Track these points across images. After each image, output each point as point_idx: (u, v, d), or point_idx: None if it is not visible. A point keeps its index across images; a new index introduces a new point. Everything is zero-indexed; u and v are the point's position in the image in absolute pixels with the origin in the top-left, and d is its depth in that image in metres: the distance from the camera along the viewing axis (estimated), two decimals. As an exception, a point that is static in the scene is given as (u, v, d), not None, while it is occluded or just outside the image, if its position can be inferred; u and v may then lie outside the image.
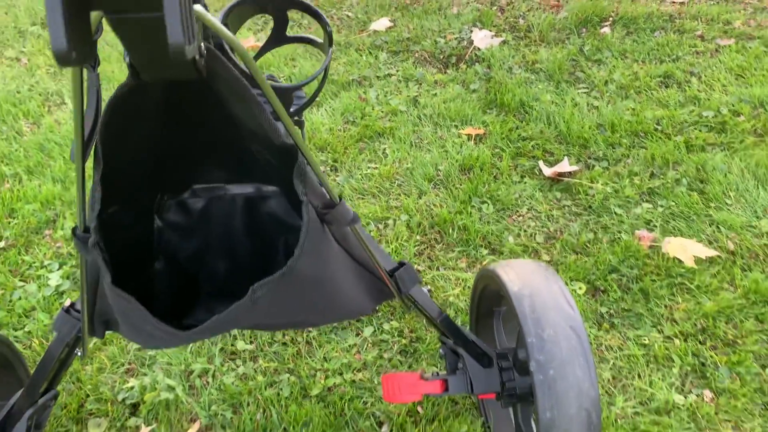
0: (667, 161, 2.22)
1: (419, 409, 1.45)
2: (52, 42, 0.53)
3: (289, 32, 1.13)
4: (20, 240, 1.95)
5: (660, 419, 1.43)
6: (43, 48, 3.10)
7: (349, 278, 1.04)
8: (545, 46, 3.01)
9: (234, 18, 1.06)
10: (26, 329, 1.68)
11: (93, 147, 0.80)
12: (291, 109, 1.21)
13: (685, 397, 1.48)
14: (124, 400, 1.49)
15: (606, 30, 3.08)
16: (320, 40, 1.12)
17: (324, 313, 1.06)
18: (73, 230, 0.87)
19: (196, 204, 1.15)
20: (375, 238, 1.96)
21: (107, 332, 1.06)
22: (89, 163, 0.78)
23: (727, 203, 2.04)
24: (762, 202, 2.03)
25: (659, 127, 2.40)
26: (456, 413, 1.44)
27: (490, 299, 1.37)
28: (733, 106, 2.49)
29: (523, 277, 1.14)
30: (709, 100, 2.53)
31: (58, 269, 1.85)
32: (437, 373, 1.20)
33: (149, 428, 1.42)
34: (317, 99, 2.63)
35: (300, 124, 1.32)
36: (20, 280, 1.82)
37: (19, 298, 1.75)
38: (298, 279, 0.87)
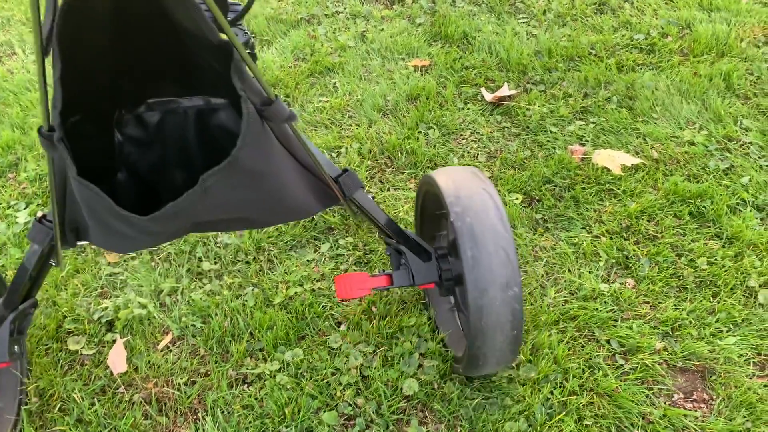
0: (600, 82, 2.36)
1: (373, 308, 1.60)
2: None
3: None
4: (-15, 183, 2.02)
5: (587, 304, 1.61)
6: (-13, 0, 3.08)
7: (293, 177, 1.10)
8: (487, -21, 3.10)
9: None
10: None
11: (50, 47, 0.86)
12: (229, 18, 1.28)
13: (610, 285, 1.66)
14: (99, 318, 1.61)
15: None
16: None
17: (272, 210, 1.12)
18: (39, 129, 0.92)
19: (152, 118, 1.22)
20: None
21: (79, 243, 1.15)
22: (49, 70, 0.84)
23: (653, 117, 2.20)
24: (685, 115, 2.20)
25: (593, 51, 2.54)
26: (406, 310, 1.59)
27: (431, 203, 1.50)
28: (662, 28, 2.64)
29: (452, 176, 1.31)
30: (640, 24, 2.67)
31: (24, 208, 1.93)
32: (383, 270, 1.34)
33: (124, 339, 1.55)
34: (259, 49, 2.70)
35: (248, 37, 1.40)
36: (-11, 220, 1.90)
37: (-10, 236, 1.83)
38: (243, 170, 0.94)
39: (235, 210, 1.06)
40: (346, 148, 2.14)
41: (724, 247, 1.74)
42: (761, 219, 1.82)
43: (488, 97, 2.32)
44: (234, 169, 0.92)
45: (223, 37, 0.91)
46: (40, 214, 1.16)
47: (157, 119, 1.21)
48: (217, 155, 1.25)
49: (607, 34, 2.62)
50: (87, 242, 1.16)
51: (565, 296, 1.64)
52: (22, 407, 1.39)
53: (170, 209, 0.93)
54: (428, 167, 2.05)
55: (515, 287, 1.17)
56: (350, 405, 1.41)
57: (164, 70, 1.12)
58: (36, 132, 0.89)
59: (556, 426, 1.35)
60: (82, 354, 1.53)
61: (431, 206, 1.51)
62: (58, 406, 1.42)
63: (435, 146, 2.13)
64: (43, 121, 0.90)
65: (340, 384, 1.44)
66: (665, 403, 1.41)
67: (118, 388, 1.46)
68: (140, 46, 1.03)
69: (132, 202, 1.21)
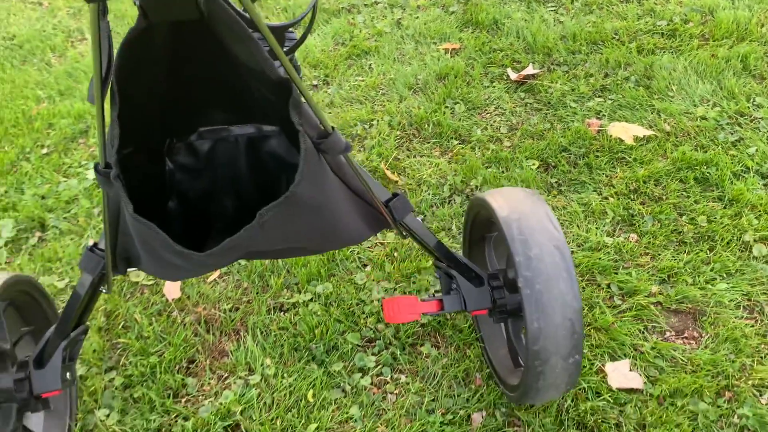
0: (620, 63, 2.50)
1: (395, 253, 1.79)
2: None
3: None
4: (60, 146, 2.29)
5: (591, 254, 1.76)
6: (61, -8, 3.40)
7: (346, 206, 1.10)
8: (520, -29, 3.26)
9: None
10: (72, 212, 2.03)
11: (108, 88, 0.86)
12: (284, 49, 1.30)
13: (614, 239, 1.81)
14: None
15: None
16: None
17: (325, 239, 1.11)
18: (95, 167, 0.92)
19: (203, 146, 1.22)
20: (361, 137, 2.28)
21: (129, 269, 1.16)
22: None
23: (669, 95, 2.33)
24: (700, 93, 2.32)
25: (616, 36, 2.68)
26: (424, 255, 1.77)
27: (482, 226, 1.48)
28: (685, 15, 2.75)
29: (511, 203, 1.23)
30: (663, 11, 2.79)
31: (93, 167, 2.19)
32: (434, 295, 1.31)
33: (179, 272, 1.77)
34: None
35: (297, 68, 1.37)
36: (63, 177, 2.17)
37: (64, 189, 2.09)
38: (300, 203, 0.94)
39: (290, 240, 1.05)
40: (378, 120, 2.33)
41: (724, 208, 1.86)
42: (764, 185, 1.94)
43: (513, 76, 2.48)
44: (291, 203, 0.93)
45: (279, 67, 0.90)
46: (91, 242, 1.18)
47: (208, 147, 1.22)
48: (267, 181, 1.27)
49: (630, 21, 2.76)
50: (137, 270, 1.17)
51: (572, 248, 1.80)
52: (73, 424, 1.45)
53: (227, 244, 0.93)
54: (452, 137, 2.23)
55: (577, 355, 1.16)
56: (371, 330, 1.60)
57: (216, 99, 1.13)
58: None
59: (554, 350, 1.51)
60: (142, 284, 1.77)
61: (481, 228, 1.49)
62: (121, 324, 1.65)
63: (460, 119, 2.31)
64: (100, 158, 0.91)
65: (364, 312, 1.64)
66: (657, 338, 1.56)
67: (172, 312, 1.68)
68: (194, 76, 1.04)
69: (182, 229, 1.21)
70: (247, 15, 0.94)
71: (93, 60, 0.78)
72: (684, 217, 1.85)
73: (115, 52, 0.85)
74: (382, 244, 1.84)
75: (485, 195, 1.29)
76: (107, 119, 0.87)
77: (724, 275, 1.68)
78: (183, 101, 1.10)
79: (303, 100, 0.93)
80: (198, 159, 1.22)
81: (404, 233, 1.24)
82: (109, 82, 0.86)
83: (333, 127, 0.97)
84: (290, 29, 1.31)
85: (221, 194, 1.26)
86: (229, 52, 0.94)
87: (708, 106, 2.26)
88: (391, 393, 1.48)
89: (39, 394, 1.20)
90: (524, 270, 1.13)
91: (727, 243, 1.76)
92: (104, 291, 1.21)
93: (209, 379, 1.53)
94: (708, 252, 1.74)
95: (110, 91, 0.87)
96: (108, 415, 1.46)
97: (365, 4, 3.09)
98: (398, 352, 1.55)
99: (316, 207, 0.99)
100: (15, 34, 3.04)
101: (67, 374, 1.23)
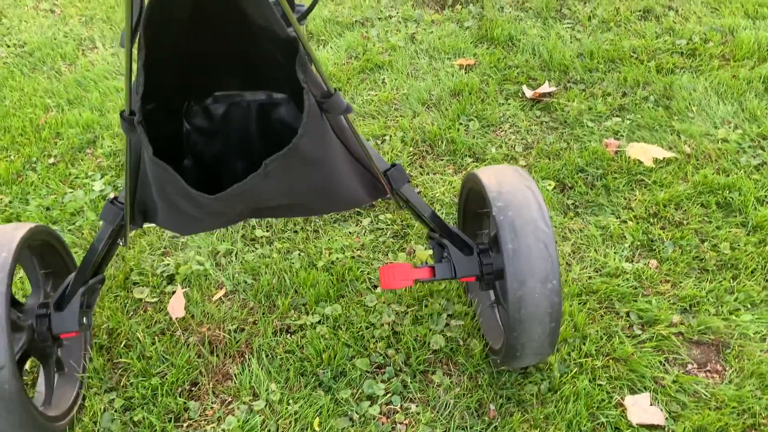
0: (638, 82, 2.45)
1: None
2: None
3: None
4: (67, 156, 2.25)
5: (609, 281, 1.70)
6: (73, 0, 3.38)
7: (346, 168, 1.16)
8: (536, -13, 3.22)
9: None
10: (77, 224, 1.98)
11: (137, 36, 0.96)
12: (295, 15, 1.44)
13: (633, 265, 1.75)
14: (161, 272, 1.79)
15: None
16: None
17: (325, 198, 1.18)
18: (121, 113, 1.00)
19: (218, 110, 1.30)
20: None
21: (145, 224, 1.25)
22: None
23: (689, 116, 2.28)
24: (721, 114, 2.27)
25: (634, 54, 2.63)
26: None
27: (475, 201, 1.53)
28: (704, 34, 2.70)
29: (496, 174, 1.35)
30: (683, 30, 2.74)
31: (100, 178, 2.15)
32: (426, 263, 1.37)
33: (184, 290, 1.72)
34: (316, 48, 2.89)
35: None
36: (69, 188, 2.13)
37: (70, 201, 2.05)
38: (302, 156, 1.02)
39: (292, 195, 1.13)
40: (391, 136, 2.29)
41: (748, 234, 1.80)
42: (789, 211, 1.88)
43: (529, 93, 2.44)
44: (294, 155, 1.01)
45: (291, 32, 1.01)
46: (112, 195, 1.27)
47: (222, 111, 1.30)
48: (276, 146, 1.30)
49: (649, 39, 2.71)
50: (153, 224, 1.27)
51: (589, 273, 1.74)
52: (88, 365, 1.53)
53: (235, 189, 1.02)
54: (466, 155, 2.18)
55: (554, 280, 1.21)
56: (381, 355, 1.54)
57: (232, 65, 1.21)
58: (112, 114, 1.01)
59: (571, 382, 1.45)
60: (145, 301, 1.72)
61: (474, 204, 1.55)
62: (123, 343, 1.60)
63: (474, 137, 2.26)
64: (125, 105, 0.99)
65: (373, 337, 1.58)
66: (678, 371, 1.49)
67: (175, 331, 1.63)
68: (212, 41, 1.12)
69: (196, 188, 1.30)
70: None
71: (125, 9, 0.86)
72: (706, 243, 1.79)
73: (145, 4, 0.94)
74: (393, 264, 1.78)
75: (477, 171, 1.39)
76: (134, 67, 0.95)
77: (749, 306, 1.62)
78: (201, 65, 1.18)
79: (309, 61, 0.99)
80: (212, 122, 1.30)
81: (401, 203, 1.30)
82: (138, 32, 0.94)
83: (336, 89, 1.03)
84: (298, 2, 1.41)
85: (233, 156, 1.33)
86: (246, 16, 1.01)
87: (729, 128, 2.21)
88: (400, 423, 1.42)
89: (57, 334, 1.31)
90: (497, 202, 1.24)
91: (752, 272, 1.69)
92: (121, 244, 1.32)
93: (212, 403, 1.48)
94: (731, 281, 1.68)
95: (138, 41, 0.95)
96: (106, 439, 1.41)
97: (379, 18, 3.06)
98: (409, 380, 1.49)
99: (317, 162, 1.07)
100: (26, 41, 3.02)
101: (84, 319, 1.32)
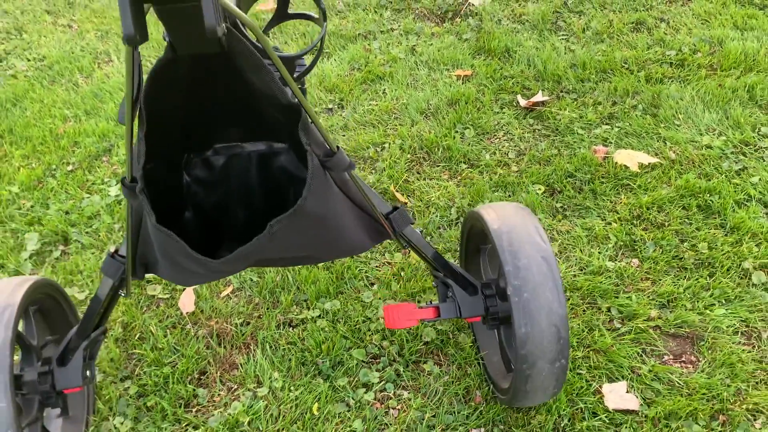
0: (628, 91, 2.56)
1: (402, 273, 1.85)
2: (123, 29, 0.72)
3: (291, 10, 1.37)
4: (84, 164, 2.39)
5: (593, 278, 1.80)
6: (90, 16, 3.54)
7: (349, 218, 1.19)
8: (533, 1, 3.34)
9: (246, 0, 1.30)
10: (94, 227, 2.11)
11: (137, 110, 0.97)
12: (294, 75, 1.41)
13: (616, 263, 1.85)
14: (173, 271, 1.91)
15: (589, -15, 3.39)
16: (317, 16, 1.34)
17: (329, 248, 1.20)
18: (122, 180, 1.01)
19: (218, 161, 1.31)
20: (373, 159, 2.35)
21: (146, 275, 1.25)
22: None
23: (675, 124, 2.38)
24: (707, 122, 2.37)
25: (625, 65, 2.74)
26: (429, 275, 1.83)
27: (477, 238, 1.56)
28: (694, 45, 2.81)
29: (502, 217, 1.32)
30: (673, 41, 2.85)
31: (116, 184, 2.28)
32: (431, 302, 1.40)
33: (193, 287, 1.85)
34: (320, 61, 3.02)
35: (303, 91, 1.46)
36: (86, 193, 2.26)
37: (87, 205, 2.19)
38: (307, 216, 1.03)
39: (297, 250, 1.15)
40: (390, 143, 2.41)
41: (726, 235, 1.90)
42: (766, 213, 1.97)
43: (523, 102, 2.55)
44: (299, 215, 1.02)
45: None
46: (112, 249, 1.27)
47: (222, 162, 1.31)
48: (277, 194, 1.37)
49: (640, 50, 2.82)
50: (155, 275, 1.26)
51: (574, 271, 1.84)
52: (91, 418, 1.54)
53: (240, 252, 1.02)
54: (461, 161, 2.29)
55: (563, 360, 1.24)
56: (376, 346, 1.65)
57: (232, 119, 1.24)
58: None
59: (552, 371, 1.55)
60: (158, 298, 1.84)
61: (478, 241, 1.57)
62: (137, 335, 1.73)
63: (469, 144, 2.38)
64: (126, 172, 1.00)
65: (369, 330, 1.69)
66: (655, 362, 1.59)
67: (185, 325, 1.75)
68: (212, 99, 1.14)
69: (198, 238, 1.29)
70: (260, 45, 1.04)
71: (125, 86, 0.87)
72: (685, 243, 1.89)
73: (144, 77, 0.96)
74: (389, 263, 1.90)
75: (479, 209, 1.38)
76: (135, 138, 0.96)
77: (723, 301, 1.72)
78: (201, 120, 1.21)
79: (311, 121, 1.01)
80: (213, 173, 1.31)
81: (404, 244, 1.32)
82: (138, 105, 0.96)
83: (338, 147, 1.06)
84: (301, 58, 1.41)
85: (234, 205, 1.34)
86: (245, 79, 1.03)
87: (714, 135, 2.31)
88: (393, 408, 1.53)
89: (61, 389, 1.30)
90: (513, 279, 1.21)
91: (727, 270, 1.79)
92: (123, 295, 1.30)
93: (219, 390, 1.59)
94: (708, 278, 1.78)
95: (138, 113, 0.97)
96: (122, 423, 1.52)
97: (381, 31, 3.19)
98: (402, 369, 1.60)
99: (322, 219, 1.08)
100: (45, 55, 3.17)
101: (87, 372, 1.32)
